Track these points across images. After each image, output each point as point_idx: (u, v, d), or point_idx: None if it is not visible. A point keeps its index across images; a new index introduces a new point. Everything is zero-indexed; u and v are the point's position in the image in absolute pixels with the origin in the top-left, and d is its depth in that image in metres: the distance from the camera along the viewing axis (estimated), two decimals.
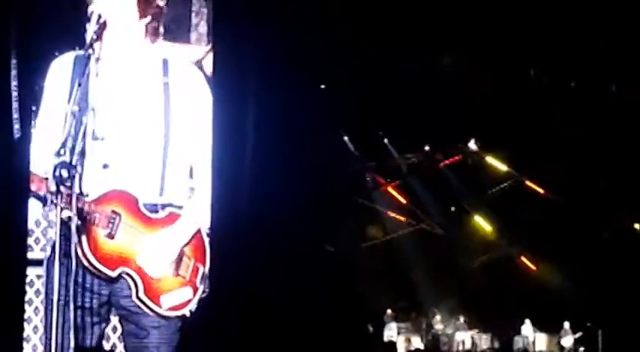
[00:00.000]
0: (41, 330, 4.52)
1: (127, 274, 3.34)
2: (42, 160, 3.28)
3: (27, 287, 4.66)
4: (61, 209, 3.04)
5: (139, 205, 3.37)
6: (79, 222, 3.18)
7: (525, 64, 15.31)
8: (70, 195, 3.04)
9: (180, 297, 3.45)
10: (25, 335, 4.66)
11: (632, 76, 14.73)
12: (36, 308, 4.73)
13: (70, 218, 3.07)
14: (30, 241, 4.60)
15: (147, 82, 3.47)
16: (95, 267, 3.29)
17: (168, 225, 3.41)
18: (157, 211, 3.42)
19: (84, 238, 3.25)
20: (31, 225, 4.54)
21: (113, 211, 3.32)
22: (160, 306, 3.40)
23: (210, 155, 3.64)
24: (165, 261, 3.38)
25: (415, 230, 19.72)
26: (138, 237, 3.35)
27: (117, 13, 3.38)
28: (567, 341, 18.18)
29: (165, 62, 3.53)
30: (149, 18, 3.50)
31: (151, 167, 3.42)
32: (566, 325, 18.22)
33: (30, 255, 4.45)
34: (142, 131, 3.42)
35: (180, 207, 3.47)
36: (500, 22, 13.43)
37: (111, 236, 3.32)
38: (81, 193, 3.18)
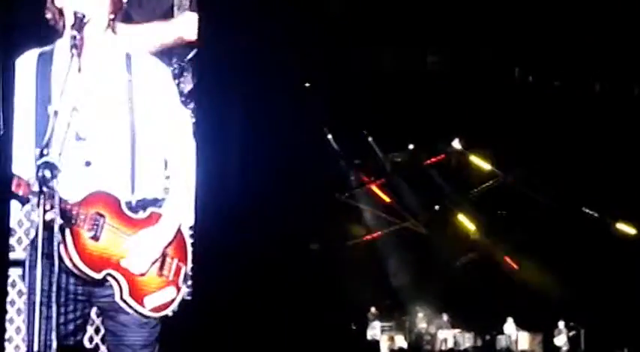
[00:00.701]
0: (24, 331, 4.49)
1: (111, 276, 3.33)
2: (23, 162, 3.26)
3: (9, 288, 4.63)
4: (45, 211, 3.02)
5: (121, 206, 3.35)
6: (64, 225, 3.17)
7: (510, 63, 15.35)
8: (53, 197, 3.01)
9: (163, 297, 3.45)
10: (7, 336, 4.63)
11: (616, 75, 14.80)
12: (18, 309, 4.70)
13: (53, 220, 3.05)
14: (12, 241, 4.57)
15: (111, 77, 3.45)
16: (80, 270, 3.27)
17: (151, 224, 3.39)
18: (137, 211, 3.41)
19: (69, 240, 3.23)
20: (13, 225, 4.51)
21: (97, 213, 3.30)
22: (143, 307, 3.39)
23: (187, 152, 3.63)
24: (149, 260, 3.37)
25: (399, 228, 19.75)
26: (122, 238, 3.34)
27: (91, 9, 3.36)
28: (560, 339, 18.22)
29: (128, 57, 3.50)
30: (114, 14, 3.49)
31: (121, 164, 3.40)
32: (561, 324, 18.25)
33: (12, 256, 4.42)
34: (110, 127, 3.39)
35: (156, 202, 3.45)
36: (485, 21, 13.46)
37: (96, 238, 3.31)
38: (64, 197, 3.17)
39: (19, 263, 4.34)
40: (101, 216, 3.31)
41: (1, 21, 3.60)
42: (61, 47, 3.38)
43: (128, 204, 3.38)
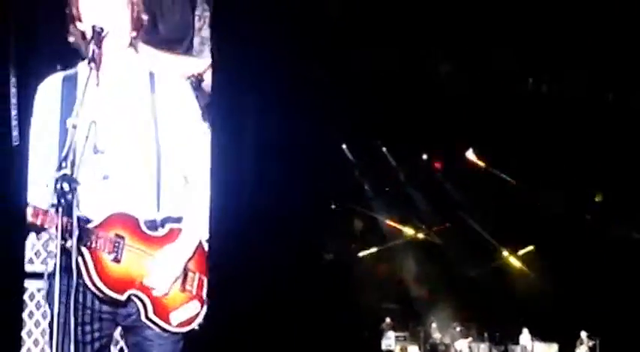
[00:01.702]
0: (42, 343, 4.51)
1: (135, 296, 3.33)
2: (41, 191, 3.25)
3: (27, 301, 4.64)
4: (64, 238, 3.03)
5: (140, 225, 3.36)
6: (85, 249, 3.19)
7: (524, 73, 15.34)
8: (71, 220, 3.03)
9: (188, 312, 3.44)
10: (26, 348, 4.63)
11: (629, 86, 14.76)
12: (37, 321, 4.72)
13: (74, 247, 3.07)
14: (30, 254, 4.58)
15: (135, 95, 3.46)
16: (104, 293, 3.27)
17: (171, 241, 3.40)
18: (156, 228, 3.41)
19: (90, 265, 3.24)
20: (30, 238, 4.52)
21: (117, 235, 3.31)
22: (169, 324, 3.40)
23: (205, 167, 3.63)
24: (171, 278, 3.37)
25: (413, 238, 19.71)
26: (143, 258, 3.34)
27: (112, 27, 3.37)
28: (582, 350, 18.12)
29: (151, 75, 3.52)
30: (136, 32, 3.50)
31: (146, 182, 3.40)
32: (583, 334, 18.15)
33: (30, 268, 4.44)
34: (134, 145, 3.40)
35: (178, 220, 3.46)
36: (499, 29, 13.45)
37: (117, 260, 3.31)
38: (85, 220, 3.19)
39: (37, 275, 4.35)
40: (121, 237, 3.31)
41: (22, 44, 3.61)
42: (84, 69, 3.40)
43: (149, 222, 3.38)
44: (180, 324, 3.42)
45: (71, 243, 3.04)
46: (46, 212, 3.19)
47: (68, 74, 3.47)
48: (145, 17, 3.55)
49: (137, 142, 3.40)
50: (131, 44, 3.48)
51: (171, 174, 3.43)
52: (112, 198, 3.33)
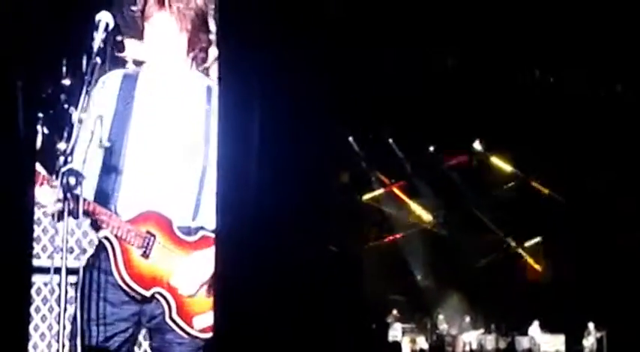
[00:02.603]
0: (48, 337, 4.53)
1: (161, 294, 3.35)
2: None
3: (34, 295, 4.67)
4: (97, 229, 3.09)
5: (173, 227, 3.39)
6: (114, 239, 3.24)
7: (531, 65, 15.31)
8: (107, 214, 3.10)
9: (212, 319, 3.46)
10: (32, 342, 4.66)
11: (635, 77, 14.72)
12: (43, 315, 4.74)
13: (106, 237, 3.14)
14: (37, 249, 4.61)
15: (191, 109, 3.50)
16: (129, 285, 3.30)
17: (202, 247, 3.42)
18: (190, 234, 3.44)
19: (119, 257, 3.28)
20: (38, 232, 4.55)
21: (148, 231, 3.34)
22: (192, 327, 3.41)
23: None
24: (198, 282, 3.39)
25: (419, 230, 19.72)
26: (172, 258, 3.36)
27: (165, 49, 3.42)
28: (589, 341, 18.13)
29: (209, 89, 3.57)
30: (197, 51, 3.54)
31: (188, 192, 3.44)
32: (591, 325, 18.15)
33: (37, 263, 4.46)
34: (182, 156, 3.44)
35: (212, 231, 3.48)
36: (506, 22, 13.43)
37: (146, 255, 3.34)
38: (116, 212, 3.25)
39: (43, 270, 4.37)
40: (152, 234, 3.34)
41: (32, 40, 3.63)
42: (146, 72, 3.46)
43: (183, 228, 3.42)
44: (203, 330, 3.44)
45: (102, 234, 3.12)
46: (48, 178, 3.24)
47: (128, 73, 3.52)
48: (211, 37, 3.60)
49: (188, 151, 3.44)
50: (191, 66, 3.54)
51: (213, 188, 3.46)
52: (150, 196, 3.37)
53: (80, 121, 3.13)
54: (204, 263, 3.41)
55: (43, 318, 4.72)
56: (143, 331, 3.63)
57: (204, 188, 3.47)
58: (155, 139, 3.43)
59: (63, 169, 3.03)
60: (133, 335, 3.46)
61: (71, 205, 3.00)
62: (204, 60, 3.61)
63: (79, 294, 3.13)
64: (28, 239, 3.70)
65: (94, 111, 3.40)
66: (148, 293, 3.34)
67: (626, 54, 13.79)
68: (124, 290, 3.34)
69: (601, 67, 14.69)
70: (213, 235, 3.49)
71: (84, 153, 3.12)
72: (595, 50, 13.88)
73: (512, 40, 13.95)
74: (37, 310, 4.71)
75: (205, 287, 3.43)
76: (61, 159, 3.04)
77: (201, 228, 3.47)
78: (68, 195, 3.01)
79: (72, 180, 3.02)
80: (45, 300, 4.66)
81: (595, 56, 14.16)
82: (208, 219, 3.47)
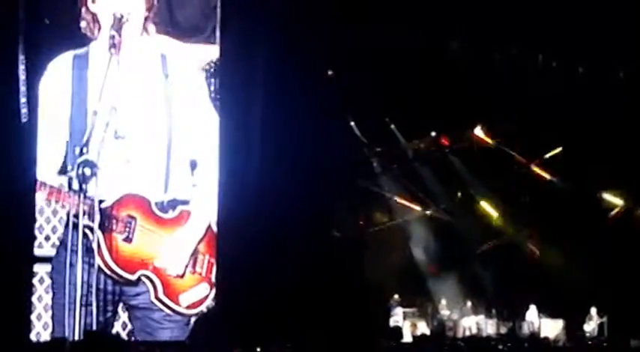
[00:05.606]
0: (51, 326, 4.56)
1: (146, 276, 3.37)
2: (49, 167, 3.27)
3: (37, 284, 4.69)
4: (76, 215, 3.08)
5: (151, 207, 3.40)
6: (98, 230, 3.24)
7: (534, 49, 15.28)
8: (87, 199, 3.09)
9: (198, 294, 3.48)
10: (35, 331, 4.68)
11: None
12: (46, 304, 4.76)
13: (88, 226, 3.13)
14: (40, 239, 4.64)
15: (148, 78, 3.49)
16: (115, 272, 3.32)
17: (182, 223, 3.43)
18: (167, 210, 3.45)
19: (102, 244, 3.29)
20: (40, 222, 4.57)
21: (129, 215, 3.35)
22: (179, 305, 3.43)
23: (213, 150, 3.66)
24: (183, 260, 3.40)
25: (421, 215, 19.72)
26: (154, 239, 3.38)
27: (128, 9, 3.40)
28: (590, 326, 18.15)
29: (163, 57, 3.54)
30: (148, 12, 3.52)
31: (157, 164, 3.43)
32: (593, 311, 18.17)
33: (40, 252, 4.49)
34: (148, 128, 3.44)
35: (185, 202, 3.49)
36: (507, 7, 13.41)
37: (129, 239, 3.35)
38: (99, 200, 3.25)
39: (47, 259, 4.40)
40: (132, 218, 3.35)
41: (31, 22, 3.63)
42: (97, 49, 3.43)
43: (159, 204, 3.43)
44: (190, 306, 3.46)
45: (84, 223, 3.10)
46: (59, 190, 3.24)
47: (79, 53, 3.50)
48: None
49: (150, 126, 3.43)
50: (144, 28, 3.52)
51: (179, 157, 3.46)
52: (124, 179, 3.38)
53: (95, 113, 3.11)
54: (185, 239, 3.41)
55: (46, 308, 4.73)
56: (121, 305, 3.64)
57: (171, 158, 3.45)
58: (124, 119, 3.40)
59: (78, 160, 3.03)
60: (112, 311, 3.46)
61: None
62: (146, 24, 3.57)
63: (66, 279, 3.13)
64: (30, 228, 3.71)
65: (47, 95, 3.38)
66: (133, 278, 3.35)
67: (631, 38, 13.77)
68: (110, 277, 3.35)
69: (605, 52, 14.66)
70: (189, 209, 3.49)
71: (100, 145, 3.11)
72: (599, 33, 13.85)
73: (514, 23, 13.93)
74: (40, 299, 4.72)
75: (191, 262, 3.44)
76: (77, 150, 3.05)
77: (175, 201, 3.46)
78: (83, 185, 3.00)
79: (87, 171, 3.02)
80: (47, 290, 4.68)
81: (598, 39, 14.13)
82: (179, 189, 3.47)
